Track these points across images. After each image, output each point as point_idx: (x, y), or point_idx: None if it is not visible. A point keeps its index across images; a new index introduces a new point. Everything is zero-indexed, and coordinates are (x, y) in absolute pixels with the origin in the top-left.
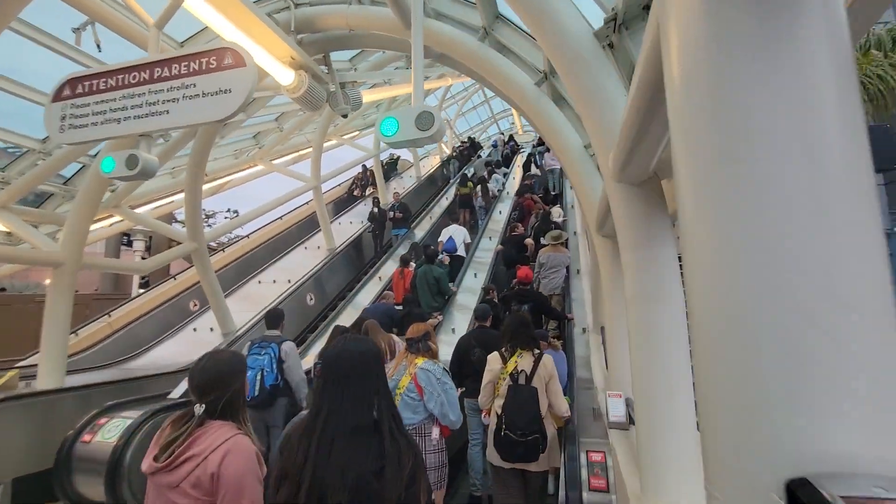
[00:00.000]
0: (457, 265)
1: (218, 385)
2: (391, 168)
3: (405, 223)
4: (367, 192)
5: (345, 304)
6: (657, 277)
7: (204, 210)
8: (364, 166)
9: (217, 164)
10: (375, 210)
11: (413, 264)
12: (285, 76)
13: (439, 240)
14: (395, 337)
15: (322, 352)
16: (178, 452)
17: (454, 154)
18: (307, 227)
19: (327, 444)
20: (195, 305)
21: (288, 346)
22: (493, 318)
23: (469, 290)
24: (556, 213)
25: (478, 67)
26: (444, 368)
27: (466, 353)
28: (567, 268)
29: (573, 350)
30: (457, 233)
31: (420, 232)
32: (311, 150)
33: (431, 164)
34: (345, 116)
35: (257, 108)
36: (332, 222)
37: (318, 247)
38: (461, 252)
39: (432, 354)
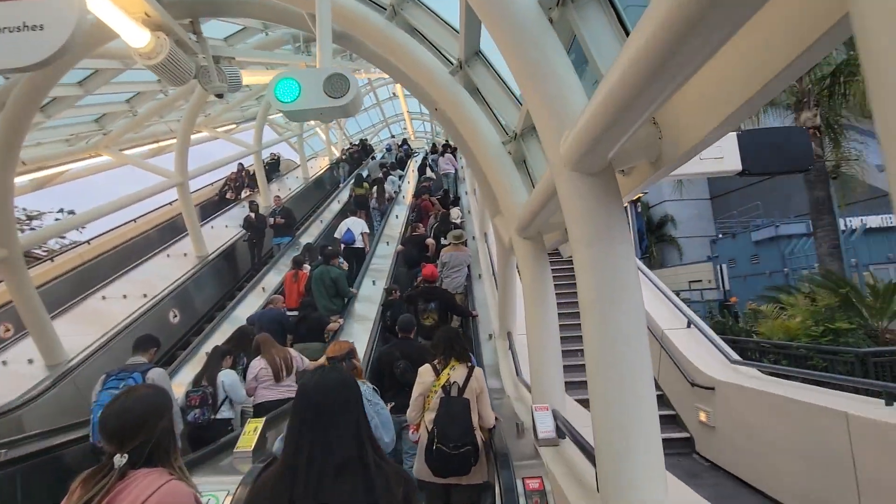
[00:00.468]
0: (357, 258)
1: (142, 428)
2: (272, 169)
3: (288, 230)
4: (243, 195)
5: (220, 319)
6: (615, 275)
7: (23, 209)
8: (240, 165)
9: (43, 150)
10: (252, 216)
11: (307, 266)
12: (137, 36)
13: (335, 235)
14: (291, 351)
15: (206, 378)
16: None
17: (344, 157)
18: (170, 231)
19: (314, 484)
20: (7, 331)
21: (156, 375)
22: (396, 320)
23: (367, 300)
24: (455, 214)
25: (385, 49)
26: (373, 388)
27: (389, 366)
28: (469, 267)
29: (481, 357)
30: (354, 224)
31: (307, 239)
32: (174, 141)
33: (319, 165)
34: (220, 97)
35: (101, 84)
36: (202, 226)
37: (185, 254)
38: (359, 244)
39: (357, 373)
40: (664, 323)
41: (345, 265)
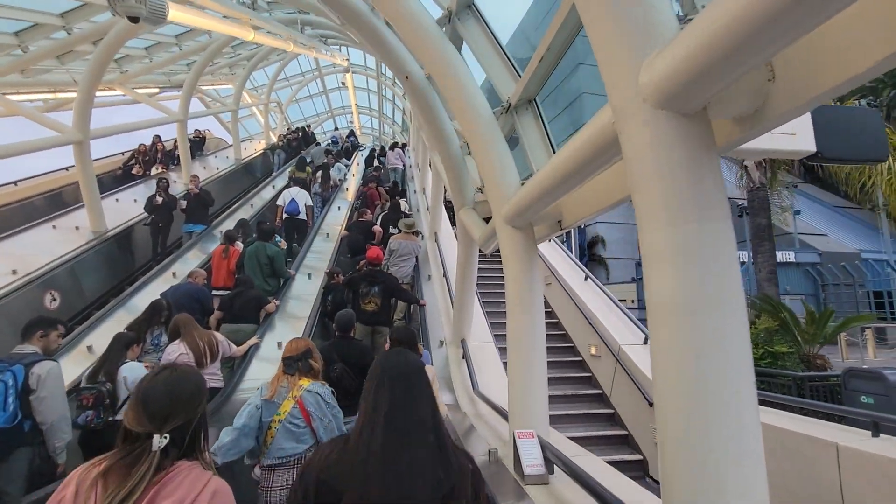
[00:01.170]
0: (299, 231)
1: (188, 407)
2: (195, 146)
3: (202, 217)
4: (154, 172)
5: (115, 307)
6: (716, 264)
7: None
8: (157, 137)
9: None
10: (159, 198)
11: (240, 243)
12: None
13: (278, 203)
14: (216, 334)
15: (104, 372)
16: None
17: (281, 143)
18: (59, 201)
19: (395, 440)
20: None
21: (43, 369)
22: (337, 304)
23: (299, 298)
24: (403, 205)
25: None
26: (332, 391)
27: (325, 368)
28: (417, 258)
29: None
30: (299, 195)
31: (230, 226)
32: (75, 94)
33: (255, 148)
34: (134, 21)
35: None
36: (105, 197)
37: (77, 227)
38: (303, 216)
39: (314, 374)
40: (621, 338)
41: (283, 244)
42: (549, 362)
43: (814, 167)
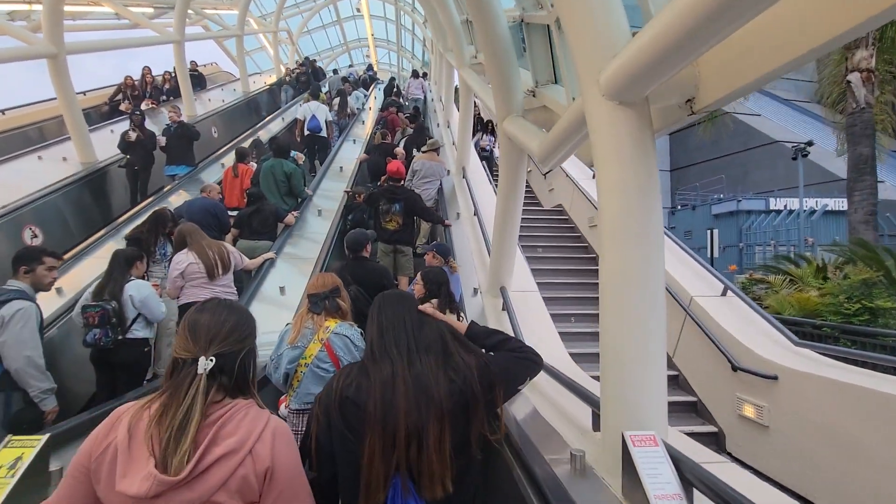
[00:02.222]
0: (320, 148)
1: (232, 333)
2: (193, 83)
3: (186, 155)
4: (144, 108)
5: (96, 244)
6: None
7: None
8: (147, 69)
9: None
10: (132, 133)
11: (254, 163)
12: None
13: (297, 117)
14: (228, 246)
15: (108, 291)
16: (205, 449)
17: (287, 79)
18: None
19: (406, 353)
20: None
21: (9, 311)
22: (357, 223)
23: (309, 238)
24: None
25: None
26: (360, 332)
27: None
28: (441, 182)
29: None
30: (319, 110)
31: (213, 176)
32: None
33: (265, 81)
34: None
35: None
36: (94, 129)
37: (65, 158)
38: (323, 132)
39: (343, 314)
40: (691, 287)
41: (300, 158)
42: (591, 314)
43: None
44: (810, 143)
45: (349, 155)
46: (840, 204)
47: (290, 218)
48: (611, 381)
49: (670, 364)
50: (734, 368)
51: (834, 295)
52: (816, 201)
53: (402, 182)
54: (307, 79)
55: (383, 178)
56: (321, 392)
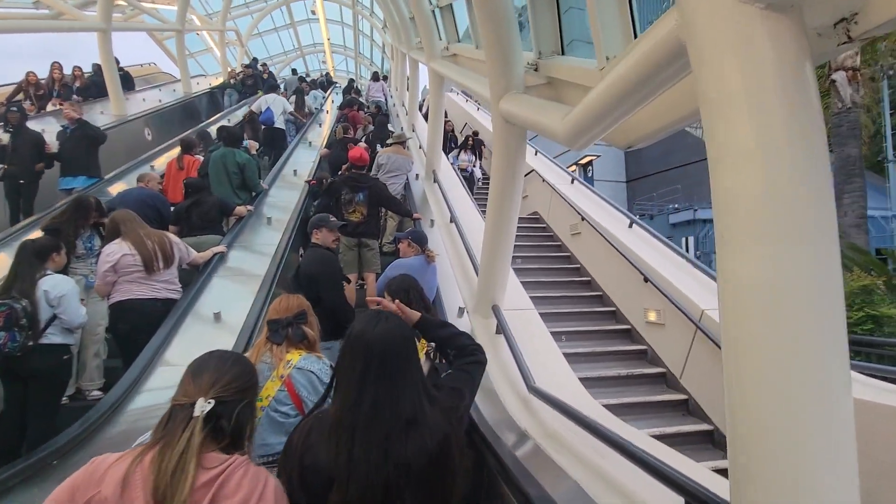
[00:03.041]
0: (277, 143)
1: (235, 382)
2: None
3: (88, 164)
4: (50, 108)
5: None
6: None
7: None
8: (56, 65)
9: None
10: (4, 133)
11: (200, 156)
12: None
13: (251, 107)
14: (171, 236)
15: (16, 288)
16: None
17: (232, 82)
18: None
19: (379, 440)
20: None
21: None
22: (323, 209)
23: (251, 249)
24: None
25: None
26: (330, 365)
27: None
28: (406, 178)
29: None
30: (276, 102)
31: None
32: None
33: (210, 83)
34: None
35: None
36: None
37: None
38: (280, 125)
39: (309, 344)
40: (701, 300)
41: (252, 146)
42: (585, 332)
43: None
44: None
45: (305, 158)
46: None
47: (241, 209)
48: (758, 477)
49: (677, 387)
50: None
51: None
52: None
53: (366, 170)
54: (254, 83)
55: (344, 166)
56: (282, 453)
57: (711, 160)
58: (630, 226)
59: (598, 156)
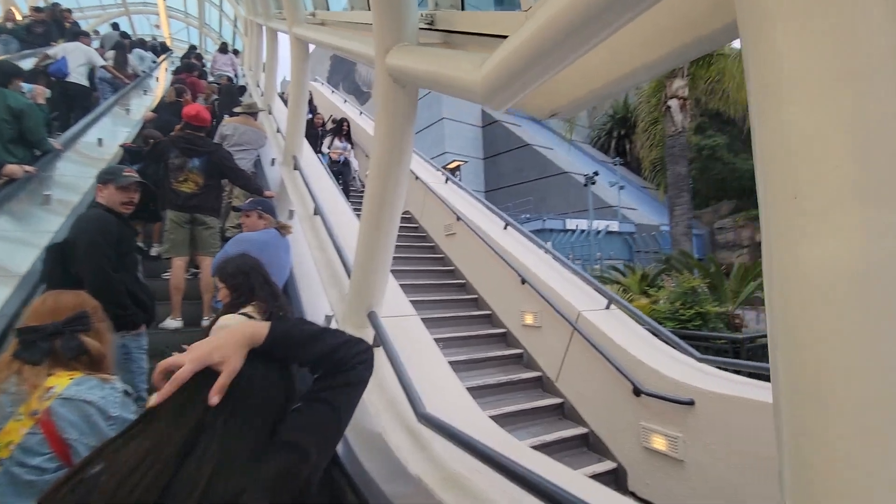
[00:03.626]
0: (78, 101)
1: None
2: None
3: None
4: None
5: None
6: None
7: None
8: None
9: None
10: None
11: None
12: None
13: (47, 52)
14: None
15: None
16: None
17: (11, 26)
18: None
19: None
20: None
21: None
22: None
23: (15, 239)
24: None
25: None
26: (124, 391)
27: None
28: (258, 156)
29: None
30: (77, 52)
31: None
32: None
33: None
34: None
35: None
36: None
37: None
38: (79, 80)
39: (92, 362)
40: (578, 302)
41: (40, 94)
42: (462, 338)
43: (623, 150)
44: (596, 174)
45: (119, 127)
46: (616, 226)
47: (14, 168)
48: None
49: (553, 390)
50: (637, 393)
51: (671, 301)
52: (598, 223)
53: (205, 133)
54: (46, 31)
55: (178, 126)
56: None
57: (762, 89)
58: (505, 227)
59: (465, 161)
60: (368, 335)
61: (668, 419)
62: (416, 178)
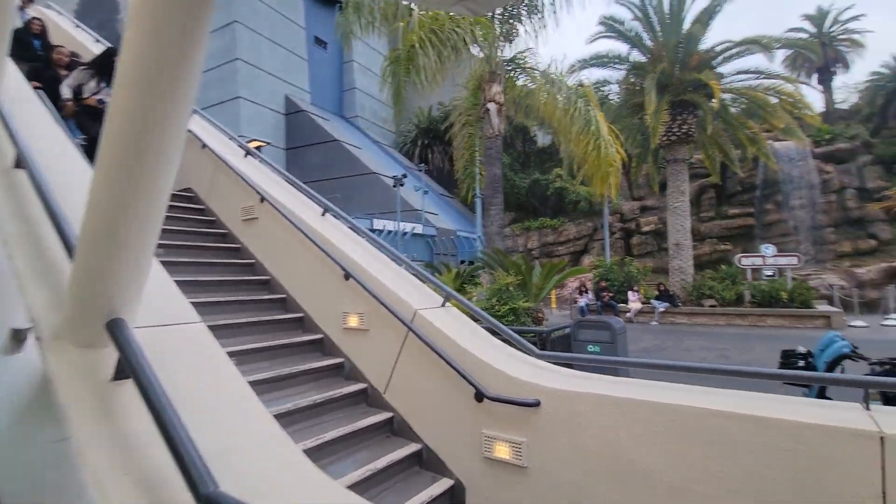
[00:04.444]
0: None
1: None
2: None
3: None
4: None
5: None
6: None
7: None
8: None
9: None
10: None
11: None
12: None
13: None
14: None
15: None
16: None
17: None
18: None
19: None
20: None
21: None
22: None
23: None
24: None
25: None
26: None
27: None
28: None
29: None
30: None
31: None
32: None
33: None
34: None
35: None
36: None
37: None
38: None
39: None
40: (413, 299)
41: None
42: (265, 350)
43: (427, 159)
44: (405, 176)
45: None
46: (420, 229)
47: None
48: None
49: (381, 403)
50: (480, 398)
51: (487, 298)
52: (405, 225)
53: None
54: None
55: None
56: None
57: None
58: (324, 214)
59: (268, 143)
60: (103, 361)
61: (513, 424)
62: (204, 146)
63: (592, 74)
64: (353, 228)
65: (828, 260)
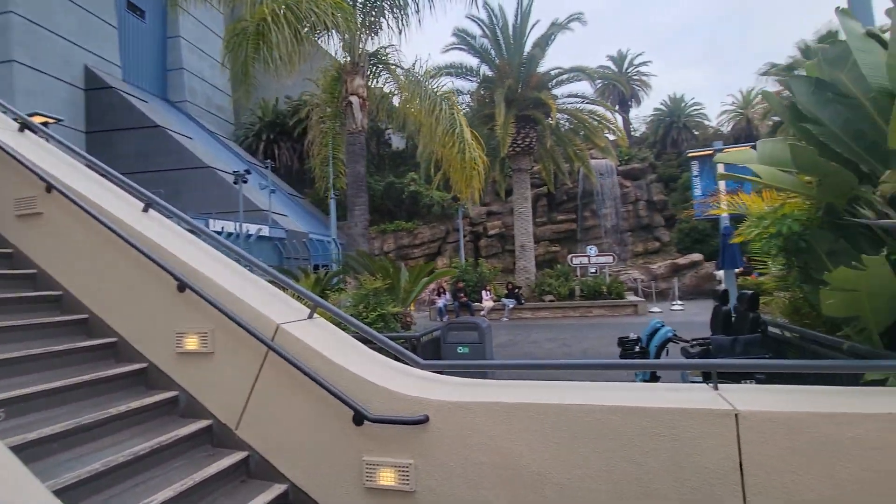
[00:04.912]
0: None
1: None
2: None
3: None
4: None
5: None
6: None
7: None
8: None
9: None
10: None
11: None
12: None
13: None
14: None
15: None
16: None
17: None
18: None
19: None
20: None
21: None
22: None
23: None
24: None
25: None
26: None
27: None
28: None
29: None
30: None
31: None
32: None
33: None
34: None
35: None
36: None
37: None
38: None
39: None
40: (276, 313)
41: None
42: (57, 390)
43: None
44: (248, 172)
45: None
46: (267, 231)
47: None
48: None
49: (231, 442)
50: (359, 421)
51: (354, 304)
52: (249, 226)
53: None
54: None
55: None
56: None
57: None
58: (146, 209)
59: (59, 120)
60: None
61: (399, 445)
62: None
63: (447, 84)
64: (192, 229)
65: (629, 258)
